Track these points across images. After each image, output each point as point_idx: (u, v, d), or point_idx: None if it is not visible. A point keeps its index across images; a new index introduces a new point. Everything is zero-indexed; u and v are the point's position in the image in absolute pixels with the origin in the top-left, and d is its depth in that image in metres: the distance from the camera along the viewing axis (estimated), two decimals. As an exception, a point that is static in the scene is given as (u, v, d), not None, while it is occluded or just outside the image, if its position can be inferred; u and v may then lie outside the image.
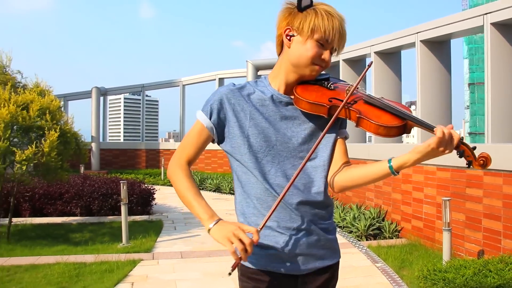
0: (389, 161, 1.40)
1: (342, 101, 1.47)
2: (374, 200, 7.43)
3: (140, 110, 19.83)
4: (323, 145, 1.53)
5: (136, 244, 5.91)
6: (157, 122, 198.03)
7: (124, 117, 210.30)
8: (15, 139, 5.54)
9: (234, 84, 1.58)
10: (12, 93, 5.64)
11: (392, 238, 6.40)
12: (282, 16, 1.52)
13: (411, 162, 1.37)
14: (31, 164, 5.28)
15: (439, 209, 5.65)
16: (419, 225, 6.14)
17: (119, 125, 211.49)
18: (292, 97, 1.54)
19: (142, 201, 8.38)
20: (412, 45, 7.98)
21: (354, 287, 4.31)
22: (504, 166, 4.63)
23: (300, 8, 1.47)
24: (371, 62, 1.59)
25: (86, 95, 17.03)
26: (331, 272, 1.58)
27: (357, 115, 1.45)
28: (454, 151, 1.38)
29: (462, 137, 1.37)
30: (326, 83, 1.56)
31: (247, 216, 1.53)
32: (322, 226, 1.54)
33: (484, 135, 6.40)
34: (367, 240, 6.37)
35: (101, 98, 17.25)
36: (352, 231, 6.67)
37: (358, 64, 10.23)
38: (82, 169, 12.62)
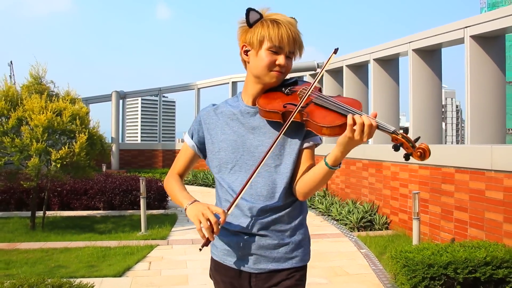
0: (325, 159, 1.49)
1: (295, 105, 1.54)
2: (368, 196, 8.15)
3: (157, 111, 20.71)
4: (287, 152, 1.60)
5: (153, 233, 6.75)
6: (174, 123, 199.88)
7: (142, 118, 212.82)
8: (50, 141, 6.42)
9: (213, 105, 1.76)
10: (48, 101, 6.52)
11: (382, 230, 7.13)
12: (238, 35, 1.65)
13: (340, 155, 1.45)
14: (64, 163, 6.14)
15: (421, 203, 6.36)
16: (404, 217, 6.86)
17: (137, 126, 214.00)
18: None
19: (159, 197, 9.23)
20: (406, 53, 8.61)
21: (337, 267, 5.07)
22: (470, 164, 5.34)
23: (249, 25, 1.59)
24: (336, 49, 1.58)
25: (106, 98, 18.00)
26: (288, 275, 1.62)
27: (304, 118, 1.52)
28: (390, 145, 1.42)
29: (406, 127, 1.42)
30: (284, 89, 1.63)
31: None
32: (281, 229, 1.61)
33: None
34: (359, 231, 7.10)
35: (120, 101, 18.22)
36: (346, 224, 7.41)
37: (360, 69, 10.91)
38: (104, 168, 13.56)
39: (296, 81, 1.67)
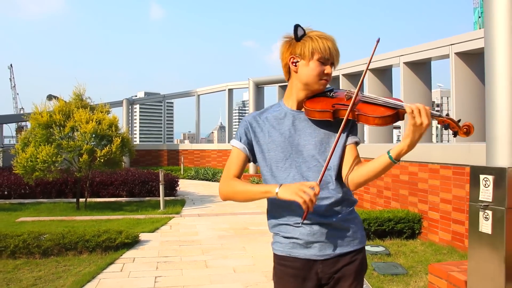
0: (388, 152, 1.63)
1: (343, 104, 1.75)
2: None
3: (155, 113, 23.07)
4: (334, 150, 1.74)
5: (169, 210, 9.10)
6: (172, 124, 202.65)
7: (140, 119, 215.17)
8: (94, 143, 8.77)
9: (257, 111, 1.93)
10: (90, 113, 8.87)
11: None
12: (283, 48, 1.83)
13: (406, 148, 1.59)
14: (106, 159, 8.48)
15: (366, 186, 8.73)
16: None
17: (135, 127, 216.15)
18: (303, 110, 1.82)
19: (169, 186, 11.57)
20: (445, 56, 8.55)
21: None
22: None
23: (297, 39, 1.78)
24: (378, 39, 1.71)
25: (117, 104, 20.35)
26: (351, 257, 1.78)
27: (356, 113, 1.72)
28: (440, 125, 1.63)
29: (447, 113, 1.63)
30: (329, 93, 1.83)
31: (275, 216, 1.82)
32: (339, 217, 1.76)
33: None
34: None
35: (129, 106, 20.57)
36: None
37: (384, 73, 10.93)
38: (123, 165, 15.91)
39: (333, 89, 1.86)
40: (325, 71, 1.77)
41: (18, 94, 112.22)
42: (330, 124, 1.78)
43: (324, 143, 1.79)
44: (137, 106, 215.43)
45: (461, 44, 7.75)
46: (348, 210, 1.79)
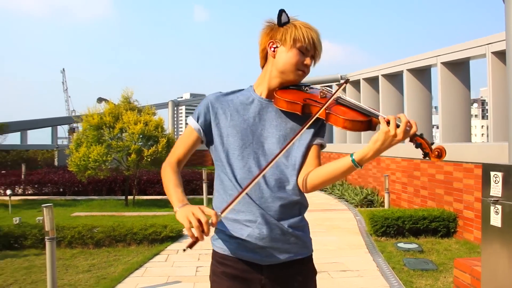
0: (351, 155, 1.51)
1: (315, 101, 1.63)
2: (372, 183, 10.64)
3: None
4: (296, 146, 1.62)
5: (212, 207, 9.50)
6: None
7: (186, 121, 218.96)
8: (141, 143, 9.32)
9: (222, 92, 1.75)
10: (138, 115, 9.43)
11: (378, 207, 9.62)
12: (264, 32, 1.70)
13: (371, 153, 1.48)
14: (152, 158, 9.01)
15: (402, 185, 8.84)
16: (393, 197, 9.33)
17: (181, 128, 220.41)
18: (273, 100, 1.68)
19: (213, 185, 11.98)
20: (482, 56, 8.70)
21: (335, 224, 7.65)
22: (428, 157, 7.78)
23: (280, 24, 1.66)
24: (347, 80, 1.66)
25: (163, 106, 21.15)
26: (299, 265, 1.66)
27: (326, 111, 1.59)
28: (412, 144, 1.49)
29: (422, 133, 1.48)
30: (303, 87, 1.72)
31: (221, 207, 1.53)
32: (291, 222, 1.62)
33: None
34: (361, 207, 9.63)
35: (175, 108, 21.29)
36: (353, 203, 9.95)
37: (423, 74, 11.13)
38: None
39: (309, 85, 1.75)
40: (304, 62, 1.66)
41: (70, 96, 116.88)
42: (298, 119, 1.65)
43: (289, 138, 1.61)
44: (183, 107, 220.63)
45: (498, 43, 7.76)
46: (300, 217, 1.67)
